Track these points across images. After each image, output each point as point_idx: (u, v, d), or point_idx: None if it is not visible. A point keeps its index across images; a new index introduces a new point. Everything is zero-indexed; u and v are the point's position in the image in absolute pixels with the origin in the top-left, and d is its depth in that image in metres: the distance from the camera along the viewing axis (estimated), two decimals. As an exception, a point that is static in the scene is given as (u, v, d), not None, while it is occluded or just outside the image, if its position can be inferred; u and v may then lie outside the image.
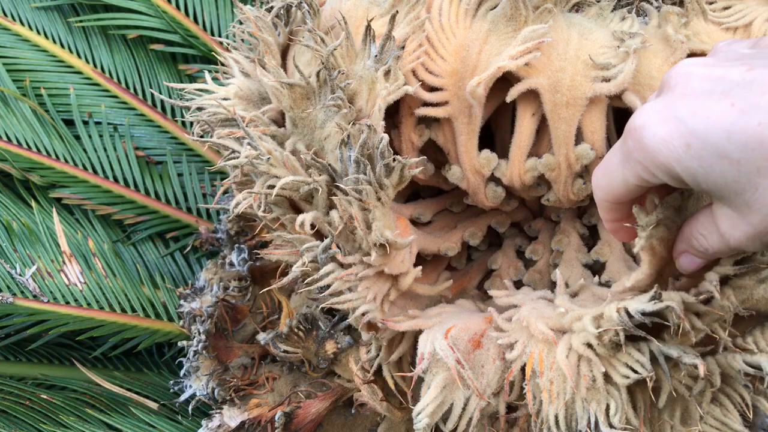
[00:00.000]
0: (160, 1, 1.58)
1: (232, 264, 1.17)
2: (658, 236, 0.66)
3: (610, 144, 0.97)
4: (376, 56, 0.80)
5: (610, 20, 0.86)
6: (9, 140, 1.42)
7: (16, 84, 1.49)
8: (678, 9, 0.85)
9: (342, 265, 0.81)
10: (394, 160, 0.76)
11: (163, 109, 1.57)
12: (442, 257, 1.02)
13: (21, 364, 1.26)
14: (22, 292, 1.14)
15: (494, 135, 0.99)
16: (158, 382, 1.27)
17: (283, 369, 1.09)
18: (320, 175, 0.80)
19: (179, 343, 1.08)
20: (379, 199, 0.78)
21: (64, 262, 1.17)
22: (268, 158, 0.80)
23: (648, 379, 0.70)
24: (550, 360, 0.77)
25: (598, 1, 0.87)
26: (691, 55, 0.85)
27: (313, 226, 0.83)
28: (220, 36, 1.60)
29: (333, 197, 0.80)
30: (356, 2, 0.88)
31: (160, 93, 1.57)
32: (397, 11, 0.79)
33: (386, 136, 0.75)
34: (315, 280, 0.80)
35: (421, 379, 0.82)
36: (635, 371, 0.71)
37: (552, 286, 0.95)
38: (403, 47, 0.81)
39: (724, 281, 0.70)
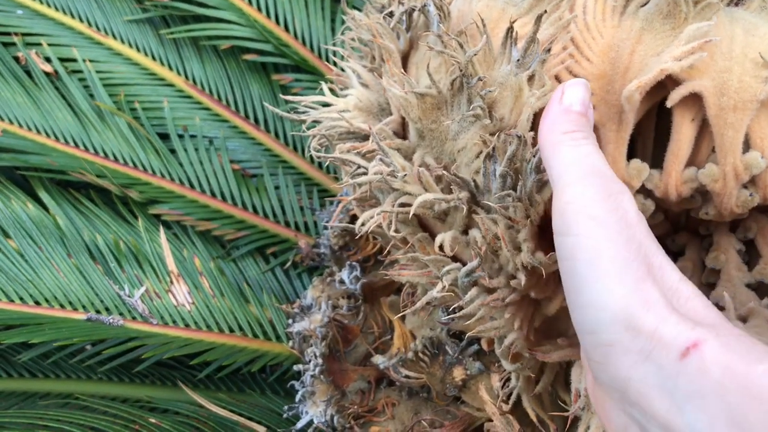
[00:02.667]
0: (251, 11, 1.55)
1: (342, 282, 1.12)
2: None
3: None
4: (518, 60, 0.74)
5: (775, 13, 0.78)
6: (106, 155, 1.41)
7: (111, 98, 1.47)
8: None
9: (486, 290, 0.75)
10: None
11: (257, 120, 1.53)
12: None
13: (126, 385, 1.23)
14: (130, 312, 1.11)
15: (635, 142, 0.91)
16: (264, 404, 1.23)
17: (402, 394, 1.03)
18: (461, 191, 0.74)
19: (294, 367, 1.03)
20: (528, 216, 0.71)
21: (171, 282, 1.14)
22: (404, 175, 0.74)
23: None
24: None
25: (760, -7, 0.78)
26: None
27: (455, 245, 0.77)
28: (311, 45, 1.55)
29: (473, 215, 0.74)
30: (490, 3, 0.81)
31: (253, 104, 1.54)
32: (545, 11, 0.72)
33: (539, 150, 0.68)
34: (459, 306, 0.74)
35: (577, 418, 0.74)
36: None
37: (708, 308, 0.87)
38: (549, 50, 0.74)
39: None
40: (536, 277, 0.75)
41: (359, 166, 0.83)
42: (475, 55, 0.74)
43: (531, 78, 0.72)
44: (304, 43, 1.57)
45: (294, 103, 0.95)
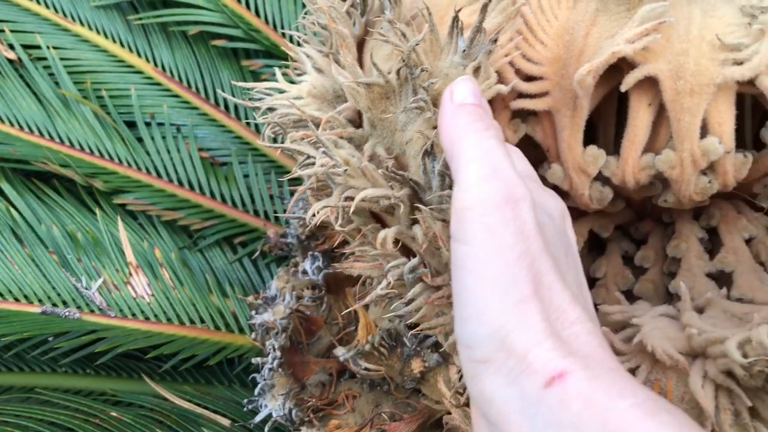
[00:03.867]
0: (220, -6, 1.52)
1: (305, 272, 1.09)
2: None
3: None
4: (464, 51, 0.71)
5: (736, -7, 0.75)
6: (71, 145, 1.38)
7: (77, 87, 1.44)
8: (816, -23, 0.73)
9: (431, 287, 0.72)
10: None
11: (227, 107, 1.50)
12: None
13: (90, 378, 1.21)
14: (88, 306, 1.09)
15: (596, 128, 0.88)
16: (229, 396, 1.21)
17: (363, 386, 1.01)
18: (401, 188, 0.71)
19: (253, 360, 1.01)
20: None
21: (130, 274, 1.12)
22: (345, 169, 0.72)
23: (809, 417, 0.59)
24: (681, 390, 0.67)
25: (720, -28, 0.75)
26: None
27: (397, 241, 0.74)
28: (282, 30, 1.52)
29: (417, 212, 0.71)
30: (442, -13, 0.79)
31: (223, 91, 1.51)
32: (488, 0, 0.69)
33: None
34: (403, 302, 0.72)
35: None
36: (791, 407, 0.60)
37: (667, 298, 0.85)
38: (496, 40, 0.71)
39: None
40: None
41: (308, 156, 0.80)
42: (418, 44, 0.71)
43: (477, 69, 0.69)
44: (275, 27, 1.53)
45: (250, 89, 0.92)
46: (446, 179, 0.66)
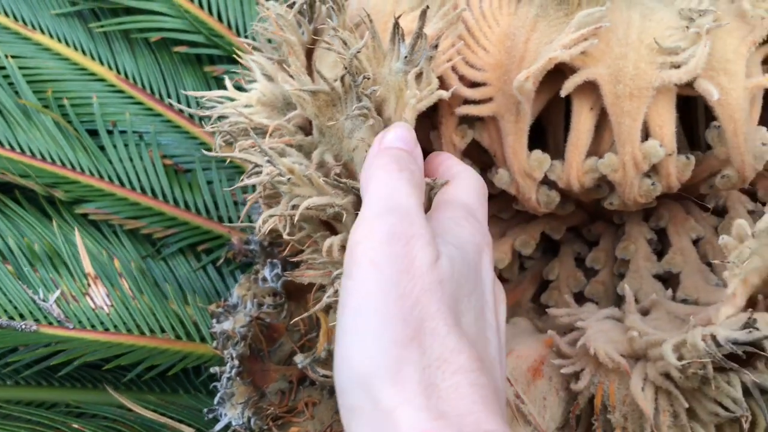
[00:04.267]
0: (182, 1, 1.51)
1: (265, 279, 1.09)
2: (752, 268, 0.56)
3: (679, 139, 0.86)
4: (406, 57, 0.71)
5: (675, -4, 0.76)
6: (33, 155, 1.37)
7: (38, 95, 1.43)
8: (754, -20, 0.74)
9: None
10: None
11: (191, 114, 1.49)
12: (492, 269, 0.92)
13: (52, 389, 1.20)
14: (46, 318, 1.08)
15: (546, 132, 0.89)
16: (193, 404, 1.21)
17: (323, 393, 1.01)
18: (345, 196, 0.71)
19: (212, 369, 1.01)
20: None
21: (89, 285, 1.11)
22: (290, 178, 0.72)
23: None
24: (623, 392, 0.67)
25: (661, -24, 0.76)
26: (772, 31, 0.74)
27: (344, 248, 0.74)
28: (246, 35, 1.52)
29: None
30: (385, -6, 0.79)
31: (186, 98, 1.50)
32: (427, 6, 0.69)
33: None
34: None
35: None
36: (726, 408, 0.61)
37: (618, 299, 0.85)
38: (437, 46, 0.71)
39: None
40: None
41: (256, 165, 0.80)
42: (360, 51, 0.71)
43: (419, 75, 0.69)
44: (238, 33, 1.53)
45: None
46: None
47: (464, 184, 0.62)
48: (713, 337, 0.59)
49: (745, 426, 0.59)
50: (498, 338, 0.55)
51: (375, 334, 0.46)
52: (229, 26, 1.53)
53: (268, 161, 0.74)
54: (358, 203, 0.71)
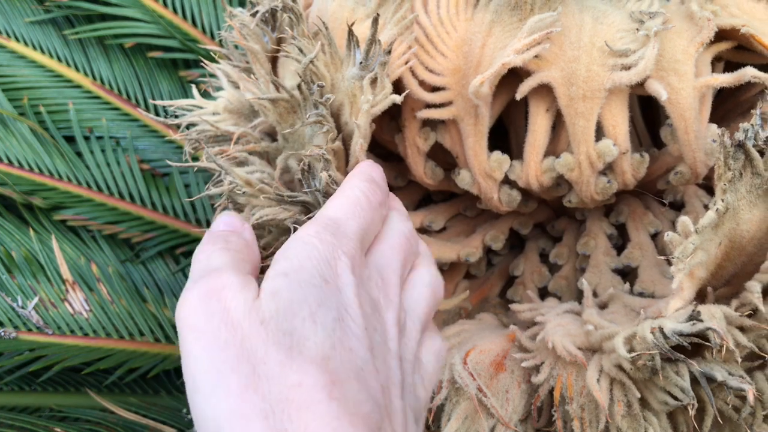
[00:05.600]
0: (156, 6, 1.52)
1: (241, 282, 1.11)
2: (696, 262, 0.59)
3: (635, 136, 0.89)
4: (361, 63, 0.72)
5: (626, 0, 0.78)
6: (10, 162, 1.38)
7: (14, 104, 1.44)
8: (702, -19, 0.76)
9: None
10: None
11: (175, 116, 1.51)
12: (461, 265, 0.95)
13: (35, 394, 1.22)
14: (25, 325, 1.10)
15: (508, 133, 0.91)
16: (175, 405, 1.22)
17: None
18: (291, 208, 0.73)
19: (189, 371, 1.03)
20: None
21: (67, 290, 1.13)
22: (245, 191, 0.74)
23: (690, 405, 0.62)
24: (580, 384, 0.70)
25: (613, -21, 0.78)
26: (720, 31, 0.76)
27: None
28: (220, 39, 1.53)
29: None
30: (341, 2, 0.81)
31: (162, 106, 1.51)
32: (378, 14, 0.71)
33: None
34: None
35: (441, 408, 0.75)
36: (675, 397, 0.63)
37: (579, 295, 0.88)
38: (390, 51, 0.73)
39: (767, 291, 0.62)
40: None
41: (220, 174, 0.82)
42: (314, 59, 0.73)
43: (374, 81, 0.71)
44: (212, 37, 1.54)
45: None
46: (330, 195, 0.68)
47: (339, 201, 0.63)
48: (661, 330, 0.61)
49: (692, 413, 0.61)
50: (377, 337, 0.55)
51: (212, 392, 0.47)
52: (204, 31, 1.54)
53: (226, 174, 0.76)
54: (306, 212, 0.73)
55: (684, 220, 0.61)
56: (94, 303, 1.14)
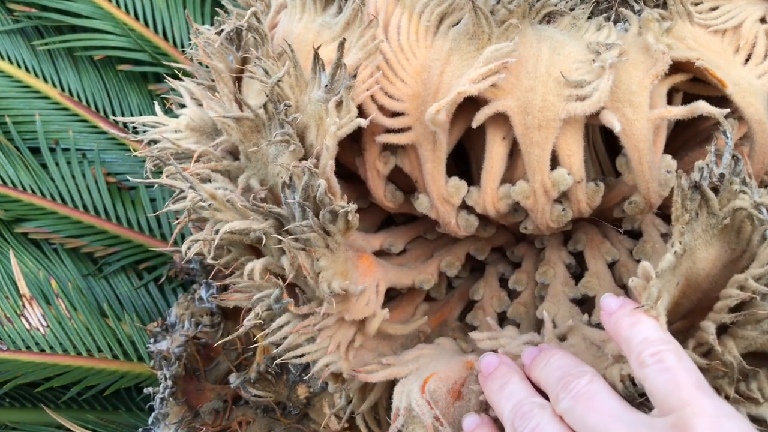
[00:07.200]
0: (127, 19, 1.52)
1: (201, 299, 1.10)
2: (663, 307, 0.60)
3: (591, 165, 0.89)
4: (326, 86, 0.73)
5: (585, 30, 0.79)
6: (-28, 173, 1.36)
7: (-21, 113, 1.43)
8: (659, 14, 0.77)
9: (300, 316, 0.75)
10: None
11: (135, 132, 1.50)
12: (420, 289, 0.95)
13: (-11, 411, 1.20)
14: (-19, 340, 1.09)
15: (469, 158, 0.92)
16: (133, 423, 1.21)
17: (257, 412, 1.02)
18: (265, 220, 0.73)
19: (145, 389, 1.02)
20: (327, 246, 0.71)
21: (24, 306, 1.11)
22: (211, 203, 0.73)
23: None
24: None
25: (572, 10, 0.79)
26: (675, 63, 0.77)
27: (269, 271, 0.76)
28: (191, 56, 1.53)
29: (283, 243, 0.73)
30: (307, 25, 0.81)
31: (132, 115, 1.51)
32: (344, 38, 0.72)
33: (324, 182, 0.68)
34: (271, 332, 0.74)
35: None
36: None
37: (538, 322, 0.88)
38: (355, 75, 0.74)
39: (722, 329, 0.63)
40: (348, 301, 0.75)
41: (181, 190, 0.82)
42: (280, 80, 0.73)
43: (340, 104, 0.71)
44: (184, 51, 1.54)
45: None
46: (306, 210, 0.69)
47: None
48: (630, 378, 0.62)
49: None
50: None
51: None
52: (175, 44, 1.54)
53: (191, 187, 0.76)
54: (279, 226, 0.73)
55: (645, 265, 0.61)
56: (51, 318, 1.13)
